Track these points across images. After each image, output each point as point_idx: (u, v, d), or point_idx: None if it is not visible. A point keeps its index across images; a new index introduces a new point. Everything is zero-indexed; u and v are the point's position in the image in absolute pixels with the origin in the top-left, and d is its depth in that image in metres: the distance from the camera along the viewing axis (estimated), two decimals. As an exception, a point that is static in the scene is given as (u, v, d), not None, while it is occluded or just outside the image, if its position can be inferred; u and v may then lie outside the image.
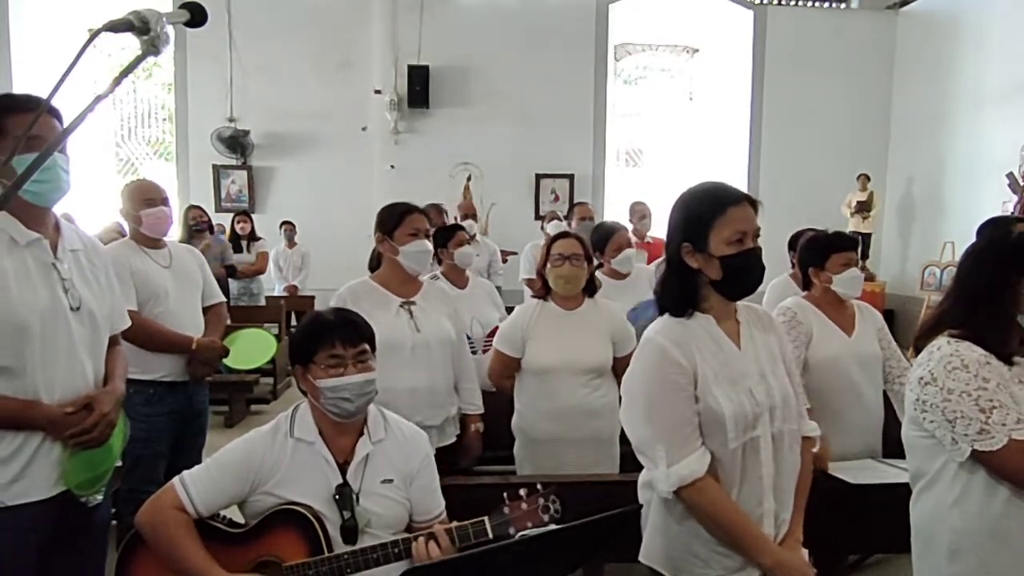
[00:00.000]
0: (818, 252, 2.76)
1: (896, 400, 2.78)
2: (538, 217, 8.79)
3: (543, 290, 2.84)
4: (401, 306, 2.70)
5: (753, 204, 1.69)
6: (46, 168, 1.77)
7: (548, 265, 2.78)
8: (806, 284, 2.83)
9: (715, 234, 1.65)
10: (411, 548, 1.72)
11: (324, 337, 1.82)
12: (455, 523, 1.77)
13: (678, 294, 1.72)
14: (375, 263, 2.86)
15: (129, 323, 2.19)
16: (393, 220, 2.71)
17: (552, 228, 5.75)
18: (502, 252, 6.66)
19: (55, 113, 1.83)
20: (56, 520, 1.85)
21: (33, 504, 1.79)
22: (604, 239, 3.80)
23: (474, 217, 6.92)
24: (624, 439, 1.95)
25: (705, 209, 1.67)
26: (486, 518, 1.73)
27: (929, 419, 1.64)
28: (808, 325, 2.68)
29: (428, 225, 2.80)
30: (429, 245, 2.75)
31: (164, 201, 2.94)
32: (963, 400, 1.58)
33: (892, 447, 2.70)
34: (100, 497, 1.95)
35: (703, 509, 1.65)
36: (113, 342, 2.06)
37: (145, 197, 2.89)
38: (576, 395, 2.71)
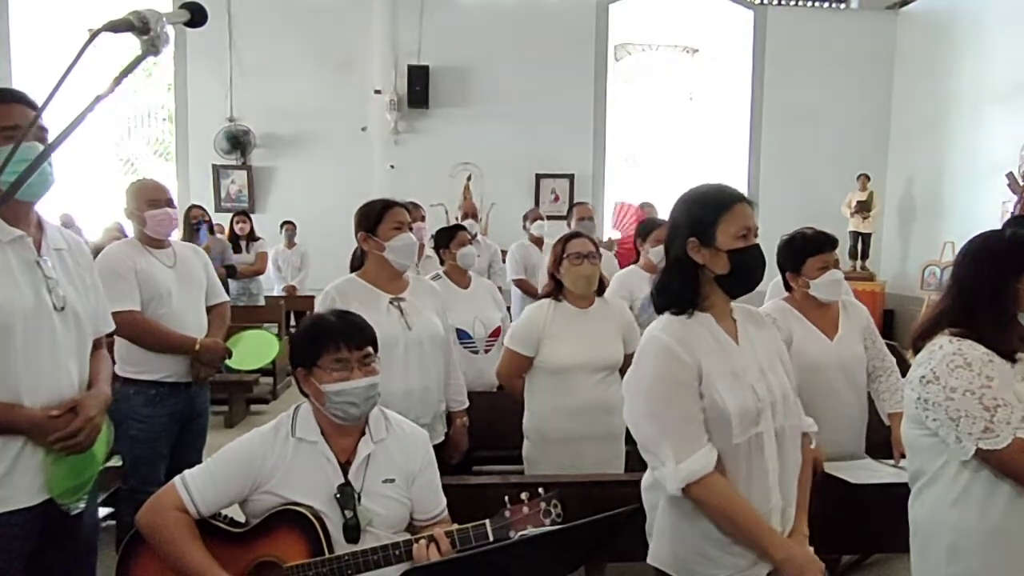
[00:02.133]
0: (793, 256, 2.68)
1: (876, 397, 2.76)
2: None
3: (555, 289, 2.84)
4: (391, 303, 2.66)
5: (751, 205, 1.73)
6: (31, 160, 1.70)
7: (565, 264, 2.78)
8: (787, 286, 2.76)
9: (723, 229, 1.67)
10: (412, 550, 1.72)
11: (328, 340, 1.81)
12: (456, 526, 1.77)
13: (681, 290, 1.72)
14: (357, 264, 2.82)
15: (113, 326, 2.12)
16: (374, 216, 2.67)
17: (535, 229, 5.75)
18: (502, 252, 6.65)
19: (30, 103, 1.76)
20: (43, 527, 1.79)
21: (16, 512, 1.73)
22: (649, 229, 3.91)
23: (475, 217, 6.91)
24: (630, 437, 1.95)
25: (712, 205, 1.69)
26: (487, 521, 1.72)
27: (932, 417, 1.64)
28: (787, 331, 2.62)
29: (409, 218, 2.76)
30: (414, 238, 2.72)
31: (169, 202, 2.93)
32: (967, 398, 1.58)
33: (876, 449, 2.69)
34: (83, 505, 1.87)
35: (713, 505, 1.64)
36: (97, 345, 1.99)
37: (150, 198, 2.88)
38: (593, 392, 2.73)
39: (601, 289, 2.88)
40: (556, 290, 2.84)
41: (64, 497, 1.80)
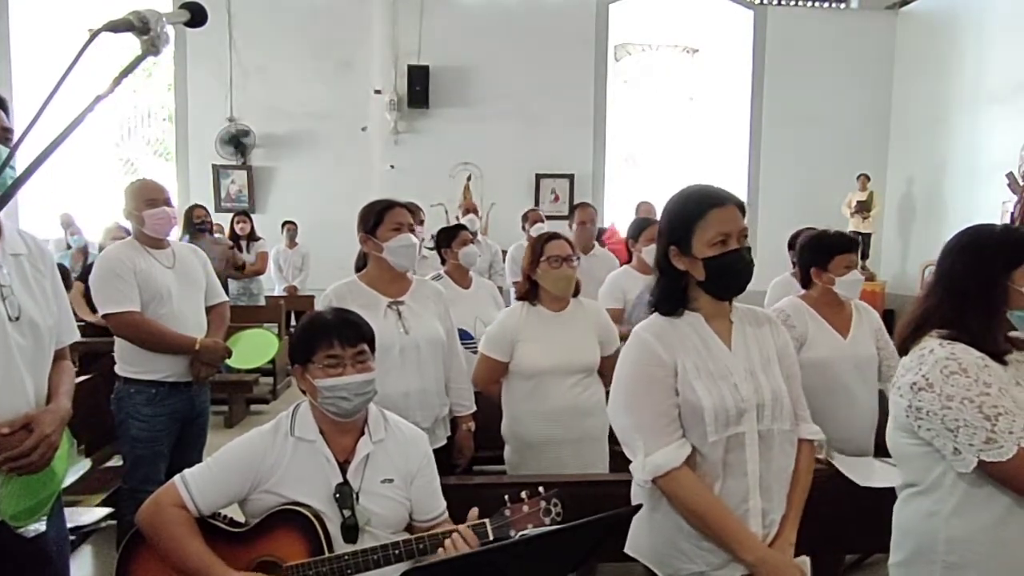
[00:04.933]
0: (822, 252, 2.72)
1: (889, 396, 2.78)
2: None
3: (530, 292, 2.80)
4: (389, 307, 2.63)
5: (739, 206, 1.70)
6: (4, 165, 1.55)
7: (544, 267, 2.73)
8: (805, 283, 2.80)
9: (698, 237, 1.66)
10: (412, 550, 1.72)
11: (322, 337, 1.82)
12: (456, 526, 1.77)
13: (667, 295, 1.74)
14: (361, 264, 2.81)
15: (78, 336, 2.01)
16: (374, 217, 2.65)
17: (535, 231, 5.71)
18: (502, 252, 6.64)
19: (1, 103, 1.72)
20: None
21: None
22: (640, 228, 3.91)
23: (475, 213, 6.89)
24: (614, 437, 1.96)
25: (687, 212, 1.69)
26: (487, 520, 1.73)
27: (926, 427, 1.55)
28: (802, 327, 2.68)
29: (411, 219, 2.73)
30: (414, 239, 2.69)
31: (167, 201, 2.93)
32: (965, 407, 1.49)
33: (885, 447, 2.71)
34: (42, 527, 1.73)
35: (680, 499, 1.66)
36: (60, 356, 1.87)
37: (148, 197, 2.88)
38: (568, 395, 2.70)
39: (576, 291, 2.84)
40: (531, 292, 2.79)
41: (18, 519, 1.67)
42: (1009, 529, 1.53)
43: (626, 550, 1.82)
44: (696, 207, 1.68)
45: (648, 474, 1.65)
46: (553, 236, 2.85)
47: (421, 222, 5.22)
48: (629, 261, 4.04)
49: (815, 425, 1.86)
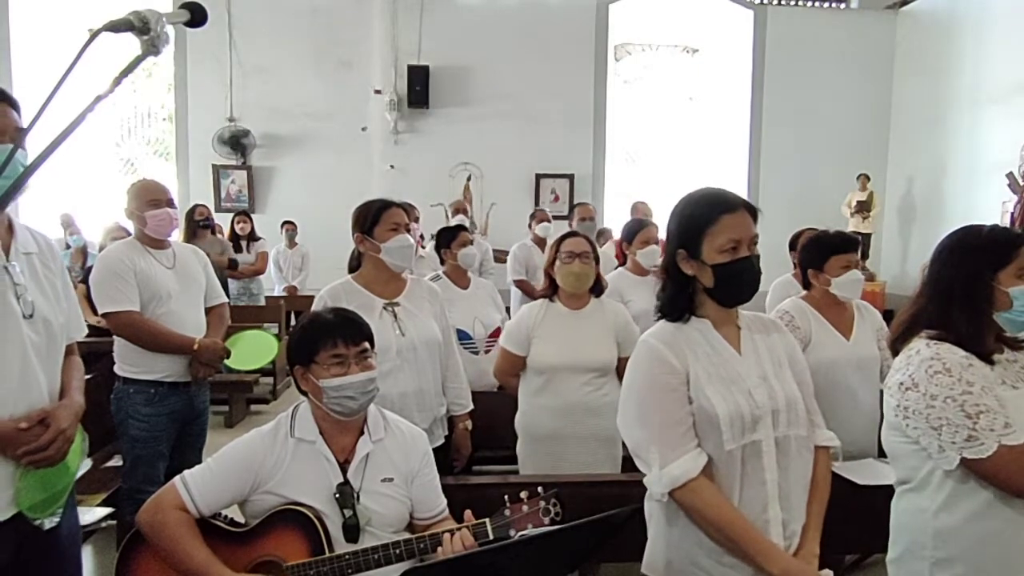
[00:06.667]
0: (818, 253, 2.73)
1: None
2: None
3: (550, 289, 2.85)
4: (385, 308, 2.62)
5: (752, 211, 1.66)
6: (6, 163, 1.55)
7: (557, 263, 2.80)
8: (807, 284, 2.82)
9: (708, 242, 1.63)
10: (412, 549, 1.72)
11: (326, 337, 1.82)
12: (456, 525, 1.77)
13: (674, 299, 1.71)
14: (355, 265, 2.80)
15: (85, 331, 2.04)
16: (371, 217, 2.63)
17: (540, 230, 5.74)
18: (500, 252, 6.65)
19: (12, 103, 1.71)
20: (15, 544, 1.71)
21: None
22: (634, 231, 3.91)
23: (465, 213, 6.89)
24: (626, 442, 1.95)
25: (699, 216, 1.65)
26: (487, 520, 1.73)
27: (912, 425, 1.58)
28: (806, 329, 2.68)
29: (407, 219, 2.72)
30: (411, 239, 2.69)
31: (169, 202, 2.92)
32: (948, 406, 1.52)
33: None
34: (56, 519, 1.77)
35: (698, 510, 1.60)
36: (69, 352, 1.91)
37: (151, 198, 2.87)
38: (578, 394, 2.72)
39: (600, 291, 2.88)
40: (551, 290, 2.85)
41: (35, 511, 1.72)
42: (993, 523, 1.55)
43: (642, 569, 1.78)
44: (707, 212, 1.65)
45: (665, 487, 1.59)
46: (572, 234, 2.89)
47: (416, 219, 5.23)
48: (624, 263, 4.05)
49: (830, 431, 1.82)
